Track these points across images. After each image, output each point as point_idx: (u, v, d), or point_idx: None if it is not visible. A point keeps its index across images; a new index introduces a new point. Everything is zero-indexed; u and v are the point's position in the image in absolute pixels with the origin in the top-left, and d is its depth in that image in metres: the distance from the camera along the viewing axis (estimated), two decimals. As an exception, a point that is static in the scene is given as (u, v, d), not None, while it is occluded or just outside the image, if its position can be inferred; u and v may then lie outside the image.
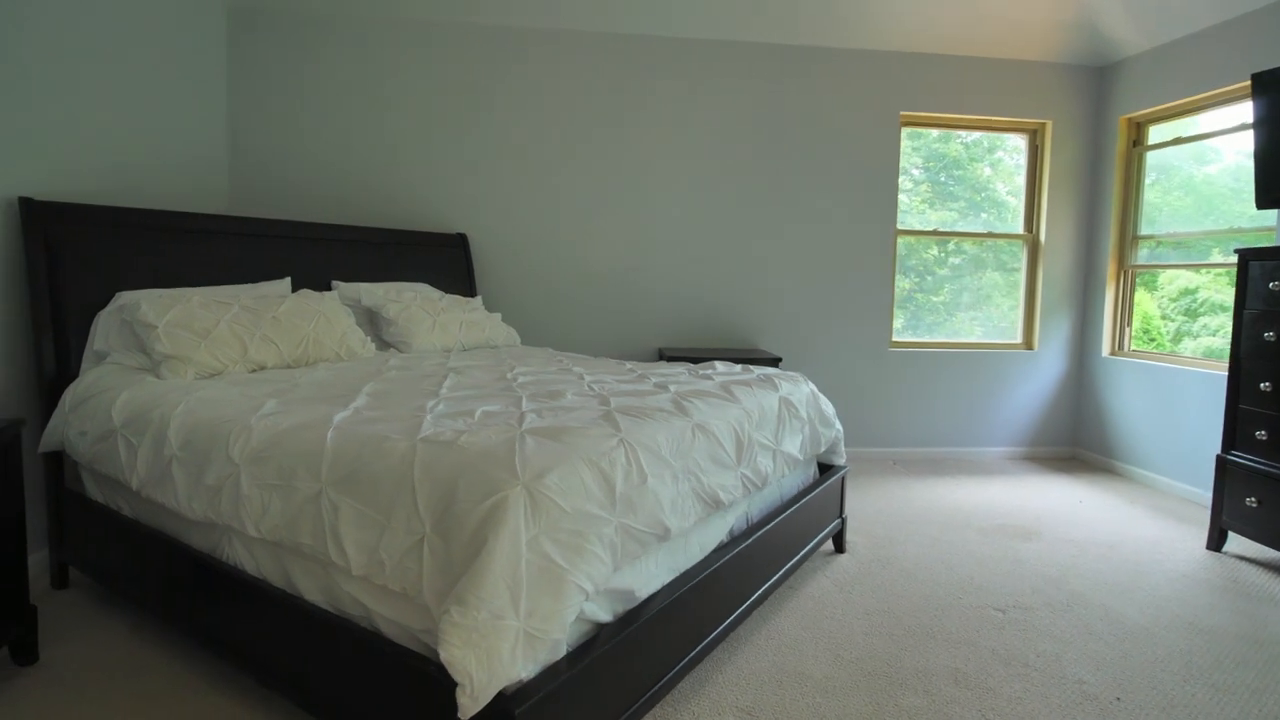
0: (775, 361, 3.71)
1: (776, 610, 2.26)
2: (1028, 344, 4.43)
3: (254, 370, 2.26)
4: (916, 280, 4.44)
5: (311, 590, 1.52)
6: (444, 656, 1.12)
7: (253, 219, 2.94)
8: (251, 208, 3.48)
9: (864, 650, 2.03)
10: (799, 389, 2.44)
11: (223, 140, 3.44)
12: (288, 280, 2.79)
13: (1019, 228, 4.45)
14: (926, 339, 4.43)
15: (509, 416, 1.66)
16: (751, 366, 2.62)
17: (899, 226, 4.28)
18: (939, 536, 2.97)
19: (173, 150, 3.06)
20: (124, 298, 2.23)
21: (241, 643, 1.67)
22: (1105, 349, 4.24)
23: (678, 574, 1.69)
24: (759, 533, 2.01)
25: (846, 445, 4.14)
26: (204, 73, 3.30)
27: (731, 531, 2.01)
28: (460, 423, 1.58)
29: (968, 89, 4.16)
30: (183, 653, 1.93)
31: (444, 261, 3.65)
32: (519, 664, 1.15)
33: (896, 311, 4.35)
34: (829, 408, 2.63)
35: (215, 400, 1.84)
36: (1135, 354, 4.11)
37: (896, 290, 4.32)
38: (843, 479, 2.73)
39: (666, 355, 3.70)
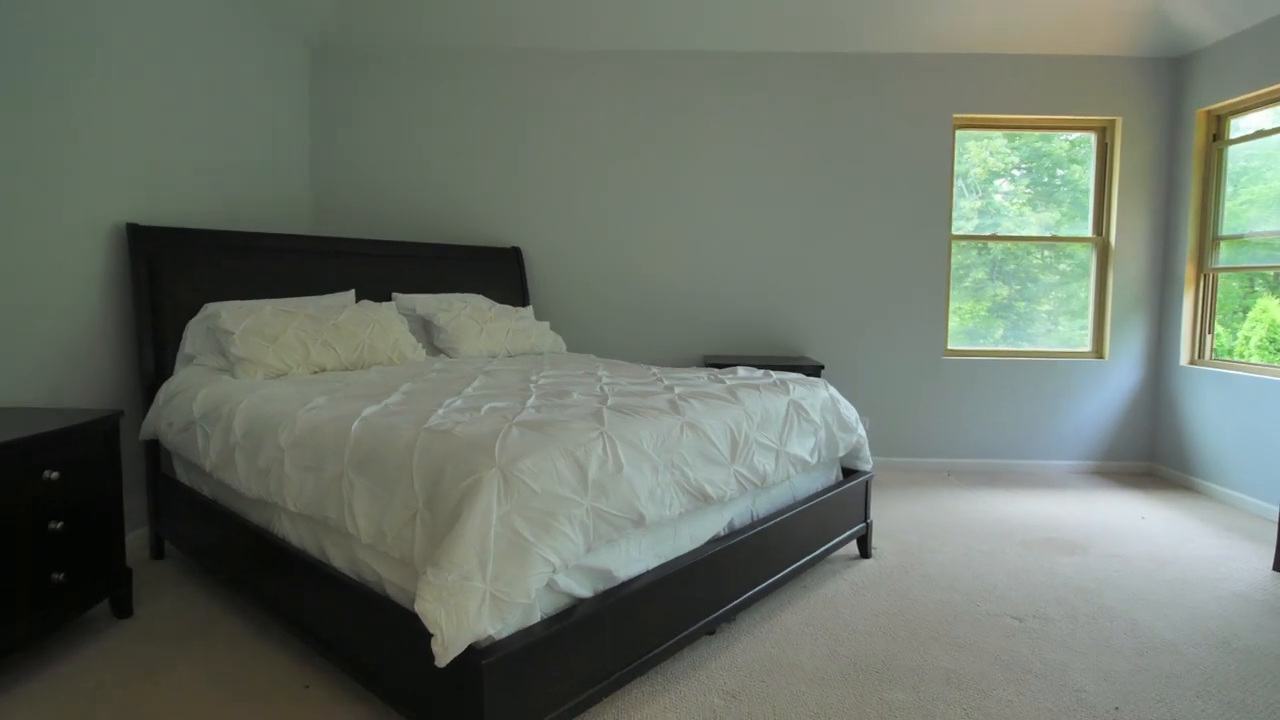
0: (817, 369, 3.74)
1: (785, 606, 2.33)
2: (1098, 352, 4.23)
3: (315, 372, 2.57)
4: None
5: (338, 559, 1.75)
6: (418, 609, 1.30)
7: (326, 237, 3.31)
8: (331, 227, 3.89)
9: (861, 648, 2.07)
10: (814, 394, 2.50)
11: (305, 166, 3.87)
12: (352, 292, 3.13)
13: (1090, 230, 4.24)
14: (989, 348, 4.30)
15: (509, 411, 1.84)
16: (772, 372, 2.70)
17: (959, 231, 4.21)
18: (974, 546, 2.92)
19: (262, 177, 3.50)
20: (209, 308, 2.60)
21: (286, 603, 1.93)
22: (1184, 358, 3.99)
23: (664, 560, 1.82)
24: (755, 529, 2.10)
25: (897, 455, 4.14)
26: (289, 105, 3.74)
27: (731, 525, 2.10)
28: (466, 416, 1.78)
29: (1027, 88, 4.04)
30: (243, 611, 2.23)
31: (499, 273, 3.92)
32: (485, 621, 1.32)
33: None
34: (850, 414, 2.66)
35: (273, 396, 2.14)
36: (1218, 363, 3.85)
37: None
38: (866, 484, 2.75)
39: (711, 362, 3.81)
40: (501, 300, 3.81)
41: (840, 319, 4.14)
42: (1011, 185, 4.33)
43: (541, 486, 1.46)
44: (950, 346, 4.25)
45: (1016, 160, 4.31)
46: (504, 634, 1.40)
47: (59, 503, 1.92)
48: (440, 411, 1.83)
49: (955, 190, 4.17)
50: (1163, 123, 4.06)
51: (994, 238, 4.28)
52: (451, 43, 3.95)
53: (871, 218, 4.11)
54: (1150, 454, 4.17)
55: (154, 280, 2.61)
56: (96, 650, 2.01)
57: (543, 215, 4.09)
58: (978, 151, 4.30)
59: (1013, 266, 4.29)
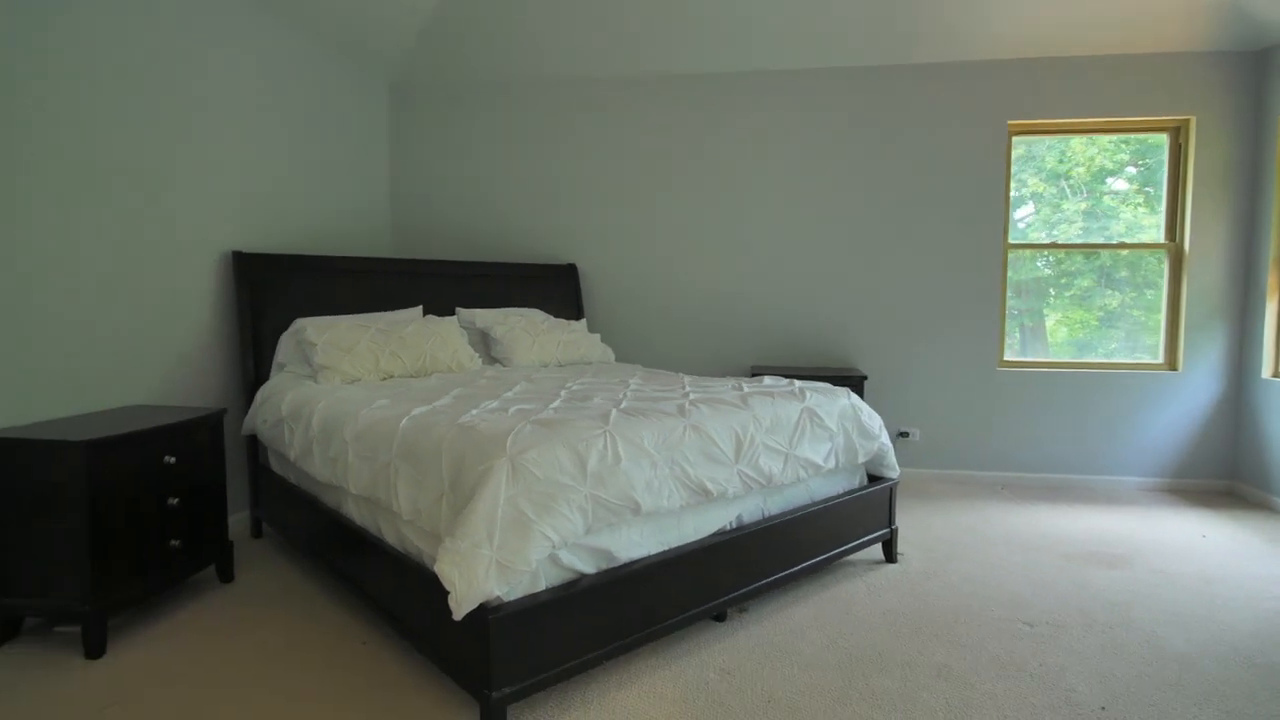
0: (861, 380, 3.82)
1: (797, 601, 2.47)
2: (1171, 364, 4.06)
3: (384, 378, 2.94)
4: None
5: (390, 535, 2.06)
6: (437, 569, 1.58)
7: (400, 259, 3.74)
8: (406, 249, 4.34)
9: (861, 641, 2.19)
10: (832, 402, 2.63)
11: (385, 193, 4.35)
12: (419, 307, 3.52)
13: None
14: (1048, 359, 4.21)
15: (532, 412, 2.10)
16: (796, 381, 2.84)
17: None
18: (1007, 557, 2.93)
19: (347, 205, 3.98)
20: (298, 323, 3.03)
21: (351, 573, 2.27)
22: (1267, 370, 3.79)
23: (666, 547, 2.02)
24: (762, 525, 2.26)
25: (950, 468, 4.13)
26: (371, 139, 4.22)
27: (739, 520, 2.27)
28: (494, 415, 2.06)
29: (1088, 90, 3.94)
30: (319, 580, 2.60)
31: (557, 289, 4.24)
32: (491, 583, 1.57)
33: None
34: (873, 422, 2.76)
35: (345, 398, 2.50)
36: (1309, 376, 3.63)
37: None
38: (890, 491, 2.83)
39: (758, 372, 3.96)
40: (558, 314, 4.12)
41: (890, 330, 4.18)
42: (1128, 184, 4.11)
43: (544, 474, 1.70)
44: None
45: (1127, 158, 4.10)
46: (511, 596, 1.65)
47: (176, 483, 2.34)
48: (474, 411, 2.12)
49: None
50: (1242, 121, 3.88)
51: (1053, 245, 4.20)
52: (513, 75, 4.32)
53: (921, 228, 4.13)
54: (1231, 472, 3.96)
55: (254, 299, 3.08)
56: (203, 606, 2.43)
57: (598, 233, 4.38)
58: (1082, 149, 4.15)
59: (1125, 273, 4.11)
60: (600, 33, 3.97)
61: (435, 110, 4.43)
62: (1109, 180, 4.15)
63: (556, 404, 2.27)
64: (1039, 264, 4.26)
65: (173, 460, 2.31)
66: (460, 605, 1.55)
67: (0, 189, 2.22)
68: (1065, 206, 4.19)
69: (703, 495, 2.06)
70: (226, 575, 2.62)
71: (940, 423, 4.16)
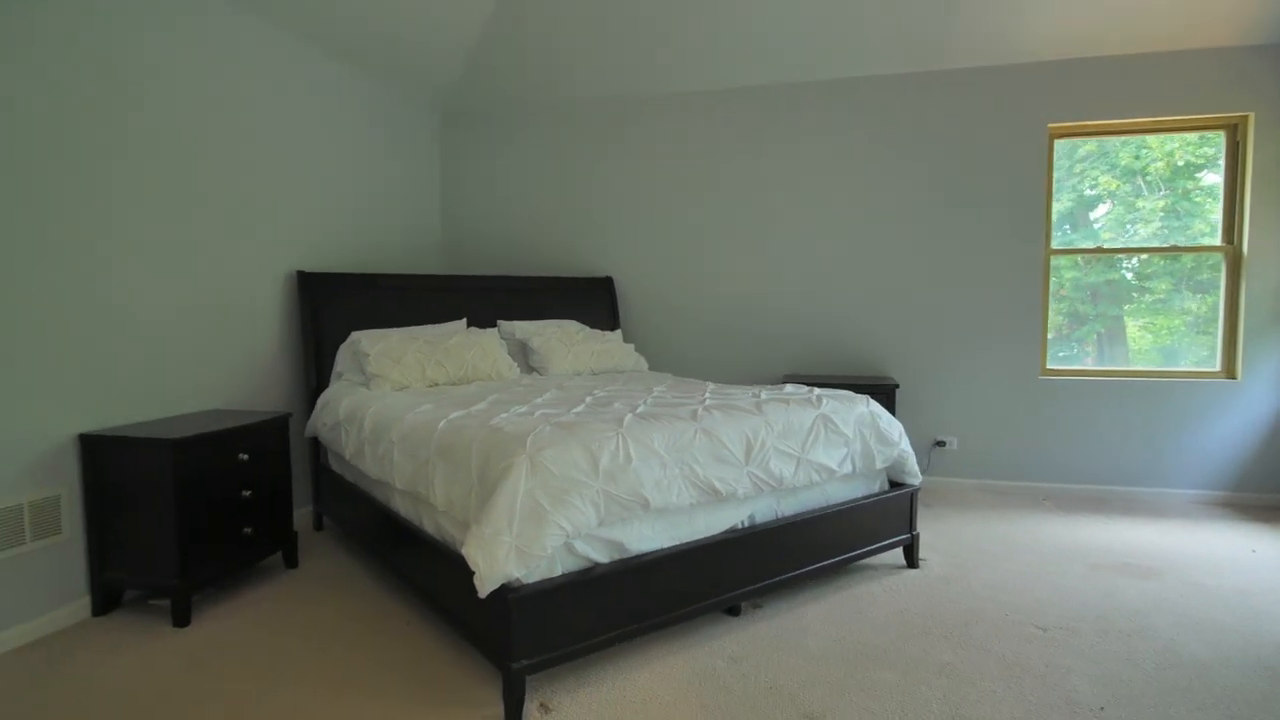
0: (892, 388, 3.87)
1: (812, 600, 2.57)
2: (1229, 373, 3.93)
3: (430, 385, 3.20)
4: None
5: (429, 526, 2.29)
6: (464, 552, 1.78)
7: (447, 275, 4.02)
8: (455, 265, 4.65)
9: (869, 638, 2.28)
10: (849, 409, 2.73)
11: (436, 213, 4.68)
12: (464, 320, 3.79)
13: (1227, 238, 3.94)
14: (1091, 367, 4.15)
15: (554, 415, 2.30)
16: (816, 389, 2.94)
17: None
18: (1033, 565, 2.94)
19: (400, 226, 4.31)
20: (354, 335, 3.33)
21: (397, 561, 2.51)
22: (1332, 378, 3.65)
23: (678, 542, 2.17)
24: (772, 525, 2.38)
25: (990, 477, 4.12)
26: (422, 163, 4.55)
27: (752, 519, 2.40)
28: (520, 418, 2.26)
29: (1135, 89, 3.86)
30: (371, 568, 2.86)
31: (593, 301, 4.45)
32: (511, 566, 1.76)
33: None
34: (892, 430, 2.84)
35: (393, 404, 2.76)
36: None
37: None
38: (911, 497, 2.90)
39: (791, 380, 4.04)
40: (595, 325, 4.33)
41: (925, 338, 4.19)
42: (1218, 177, 3.92)
43: (559, 470, 1.89)
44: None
45: (1212, 151, 3.94)
46: (529, 579, 1.84)
47: (248, 478, 2.64)
48: (504, 415, 2.33)
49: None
50: (1307, 114, 3.74)
51: (1099, 250, 4.13)
52: (552, 98, 4.58)
53: (957, 235, 4.11)
54: (1294, 486, 3.81)
55: (316, 314, 3.40)
56: (271, 587, 2.72)
57: (633, 246, 4.57)
58: (1159, 144, 4.04)
59: (1206, 275, 3.96)
60: (633, 55, 4.18)
61: (481, 133, 4.73)
62: (1198, 174, 3.95)
63: (579, 409, 2.46)
64: (1121, 268, 4.11)
65: (246, 458, 2.61)
66: (484, 585, 1.75)
67: (114, 217, 2.58)
68: (1141, 204, 4.06)
69: (712, 494, 2.20)
70: (291, 562, 2.92)
71: (979, 432, 4.14)
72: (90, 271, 2.52)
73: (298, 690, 1.99)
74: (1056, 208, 4.13)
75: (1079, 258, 4.17)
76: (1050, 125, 4.00)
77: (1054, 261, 4.14)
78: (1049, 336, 4.14)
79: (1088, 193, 4.13)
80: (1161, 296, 4.07)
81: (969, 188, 4.10)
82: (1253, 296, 3.81)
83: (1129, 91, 3.89)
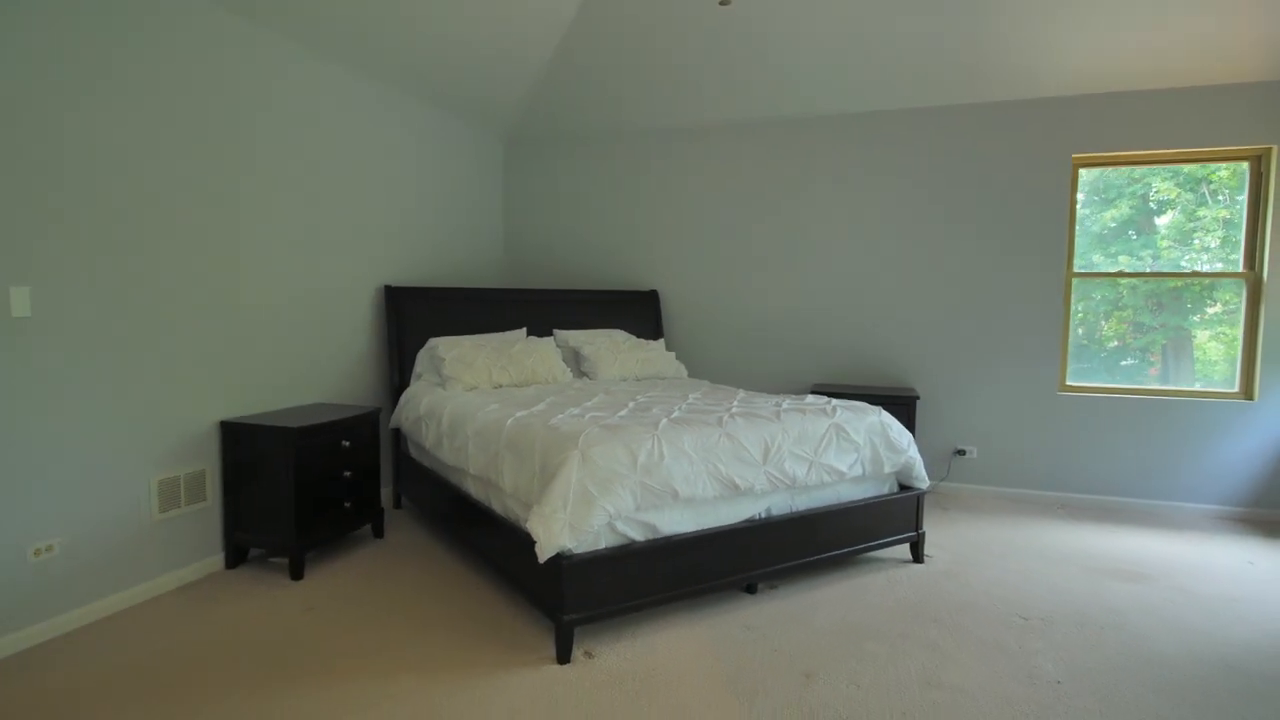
0: (913, 400, 4.18)
1: (822, 585, 2.94)
2: (1246, 394, 4.10)
3: (495, 387, 3.69)
4: None
5: (497, 506, 2.77)
6: (528, 527, 2.24)
7: (510, 289, 4.53)
8: (516, 279, 5.16)
9: (867, 618, 2.65)
10: (861, 419, 3.09)
11: (500, 232, 5.20)
12: (524, 329, 4.28)
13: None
14: (1112, 384, 4.35)
15: (601, 418, 2.74)
16: (833, 400, 3.31)
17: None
18: (1031, 565, 3.23)
19: (470, 244, 4.83)
20: (431, 342, 3.86)
21: (468, 534, 3.00)
22: (1347, 402, 3.79)
23: (702, 528, 2.58)
24: (784, 518, 2.77)
25: (1007, 485, 4.39)
26: (489, 186, 5.07)
27: (769, 512, 2.80)
28: (573, 419, 2.71)
29: (1158, 122, 4.07)
30: (444, 540, 3.37)
31: (640, 311, 4.89)
32: (564, 538, 2.21)
33: None
34: (901, 438, 3.18)
35: (466, 403, 3.25)
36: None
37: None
38: (918, 499, 3.23)
39: (819, 389, 4.39)
40: (640, 334, 4.76)
41: (949, 353, 4.46)
42: None
43: (605, 464, 2.33)
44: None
45: None
46: (579, 550, 2.28)
47: (348, 461, 3.18)
48: (560, 416, 2.79)
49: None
50: (1327, 148, 3.89)
51: (1122, 274, 4.33)
52: (605, 127, 5.03)
53: (984, 258, 4.37)
54: (1307, 504, 3.96)
55: (400, 323, 3.94)
56: (363, 552, 3.26)
57: (677, 262, 4.99)
58: None
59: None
60: (678, 90, 4.58)
61: (540, 159, 5.23)
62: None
63: (623, 413, 2.90)
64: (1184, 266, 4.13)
65: (347, 444, 3.15)
66: (543, 553, 2.21)
67: (243, 246, 3.14)
68: (1203, 213, 4.14)
69: (732, 489, 2.61)
70: (379, 532, 3.46)
71: (999, 442, 4.41)
72: (227, 290, 3.09)
73: (392, 631, 2.49)
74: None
75: (1138, 266, 4.31)
76: (1074, 155, 4.23)
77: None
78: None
79: (1151, 202, 4.20)
80: (1233, 307, 4.12)
81: (995, 214, 4.36)
82: (1271, 321, 3.97)
83: (1153, 124, 4.08)
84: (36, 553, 2.41)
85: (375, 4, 3.32)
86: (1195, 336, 4.28)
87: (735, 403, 3.24)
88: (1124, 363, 4.35)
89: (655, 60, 4.34)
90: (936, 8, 3.69)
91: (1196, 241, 4.24)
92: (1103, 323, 4.40)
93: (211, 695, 2.09)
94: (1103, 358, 4.39)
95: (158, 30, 2.75)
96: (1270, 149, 3.98)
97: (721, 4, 3.10)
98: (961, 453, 4.46)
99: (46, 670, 2.23)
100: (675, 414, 2.87)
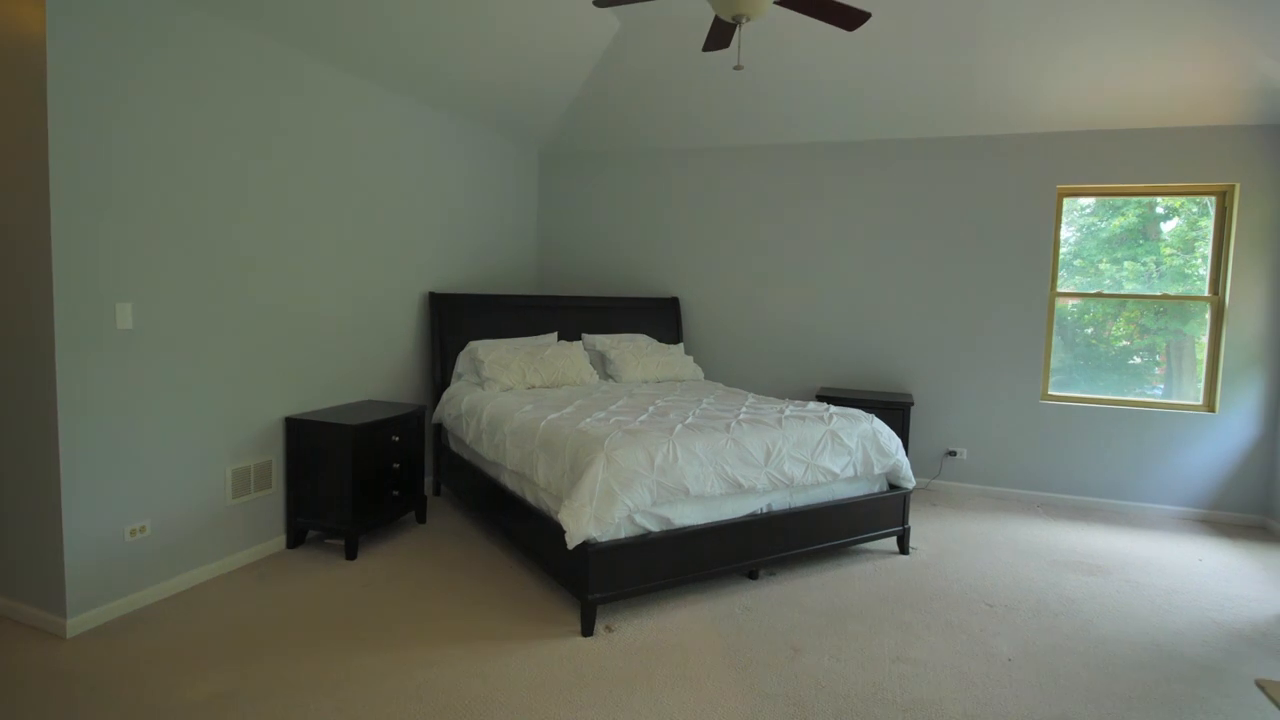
0: (908, 405, 4.53)
1: (815, 572, 3.33)
2: (1209, 406, 4.43)
3: (529, 388, 4.09)
4: None
5: (530, 497, 3.16)
6: (559, 519, 2.64)
7: (542, 295, 4.91)
8: (548, 287, 5.54)
9: (851, 601, 3.03)
10: (854, 425, 3.45)
11: (534, 242, 5.57)
12: (555, 334, 4.67)
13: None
14: (1090, 394, 4.69)
15: (624, 423, 3.13)
16: (831, 407, 3.67)
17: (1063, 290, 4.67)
18: (1003, 558, 3.59)
19: (506, 253, 5.21)
20: (471, 345, 4.25)
21: (503, 522, 3.41)
22: (1305, 415, 4.11)
23: (710, 520, 2.97)
24: (783, 512, 3.15)
25: (993, 485, 4.76)
26: (524, 199, 5.44)
27: (769, 507, 3.17)
28: (599, 422, 3.10)
29: (1135, 158, 4.39)
30: (481, 526, 3.78)
31: (661, 317, 5.26)
32: (590, 528, 2.60)
33: None
34: (890, 443, 3.54)
35: (503, 403, 3.65)
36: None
37: None
38: (904, 498, 3.60)
39: (824, 393, 4.74)
40: (662, 339, 5.13)
41: (943, 362, 4.81)
42: None
43: (626, 465, 2.71)
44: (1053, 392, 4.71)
45: None
46: (603, 539, 2.68)
47: (396, 453, 3.59)
48: (588, 420, 3.18)
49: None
50: (1280, 187, 4.20)
51: (1101, 295, 4.66)
52: (632, 145, 5.38)
53: (975, 277, 4.72)
54: (1265, 508, 4.29)
55: (442, 327, 4.34)
56: (408, 536, 3.68)
57: (696, 272, 5.35)
58: None
59: None
60: (699, 114, 4.92)
61: (572, 174, 5.59)
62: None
63: (643, 417, 3.29)
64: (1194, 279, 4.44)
65: (396, 439, 3.56)
66: (571, 540, 2.61)
67: (306, 260, 3.54)
68: (1203, 224, 4.43)
69: (737, 487, 2.99)
70: (421, 518, 3.88)
71: (987, 445, 4.76)
72: (290, 299, 3.49)
73: (438, 605, 2.91)
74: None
75: (1143, 268, 4.67)
76: (1059, 186, 4.55)
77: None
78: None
79: (1159, 209, 4.56)
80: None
81: (986, 238, 4.69)
82: (1231, 341, 4.30)
83: (1131, 160, 4.43)
84: (132, 533, 2.84)
85: (435, 47, 3.69)
86: (1195, 340, 4.57)
87: (744, 409, 3.61)
88: (1132, 361, 4.69)
89: (675, 91, 4.69)
90: (934, 51, 4.01)
91: (1199, 249, 4.53)
92: (1111, 323, 4.73)
93: (294, 655, 2.51)
94: (1112, 356, 4.72)
95: (260, 78, 3.14)
96: (1234, 186, 4.30)
97: (736, 69, 3.44)
98: (953, 454, 4.82)
99: (145, 633, 2.65)
100: (689, 419, 3.25)
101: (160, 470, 2.93)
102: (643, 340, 4.93)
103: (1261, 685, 2.43)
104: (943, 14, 3.79)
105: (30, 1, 2.45)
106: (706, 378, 5.17)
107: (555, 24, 3.97)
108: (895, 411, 4.43)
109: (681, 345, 5.10)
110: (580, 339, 4.84)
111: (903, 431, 4.35)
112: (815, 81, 4.45)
